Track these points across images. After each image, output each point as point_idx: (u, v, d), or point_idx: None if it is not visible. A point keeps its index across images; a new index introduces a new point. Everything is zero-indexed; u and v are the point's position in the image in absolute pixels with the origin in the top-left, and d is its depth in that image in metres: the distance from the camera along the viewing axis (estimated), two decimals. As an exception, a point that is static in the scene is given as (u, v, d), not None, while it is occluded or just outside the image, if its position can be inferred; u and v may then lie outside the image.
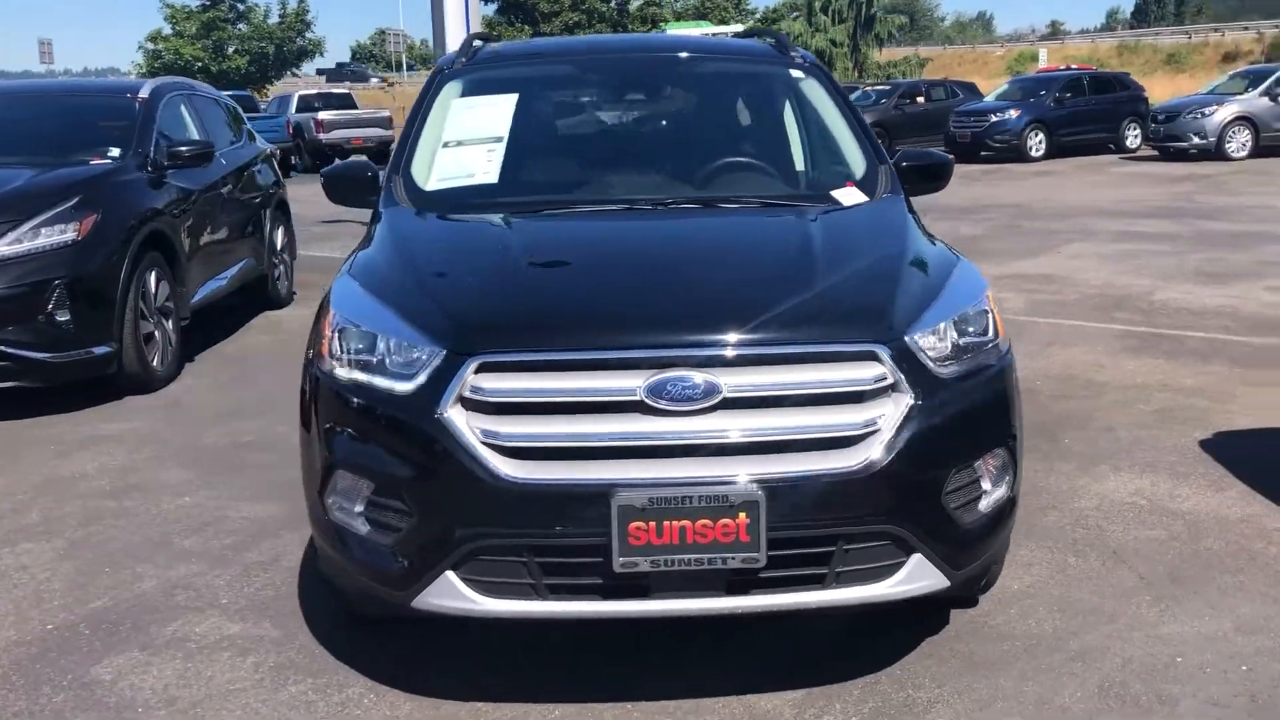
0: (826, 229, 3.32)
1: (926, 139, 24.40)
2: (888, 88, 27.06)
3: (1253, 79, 21.78)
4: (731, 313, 2.75)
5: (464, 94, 4.13)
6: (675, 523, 2.54)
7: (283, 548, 3.96)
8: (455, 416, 2.64)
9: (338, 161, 4.32)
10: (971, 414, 2.78)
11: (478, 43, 4.42)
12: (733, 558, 2.57)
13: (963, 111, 23.56)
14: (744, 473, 2.57)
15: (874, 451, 2.62)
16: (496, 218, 3.47)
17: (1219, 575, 3.58)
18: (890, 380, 2.67)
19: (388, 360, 2.79)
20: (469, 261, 3.18)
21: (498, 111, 4.02)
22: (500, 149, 3.81)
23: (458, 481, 2.63)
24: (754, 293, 2.88)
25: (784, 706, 2.91)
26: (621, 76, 4.34)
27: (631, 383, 2.60)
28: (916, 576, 2.70)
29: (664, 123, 4.29)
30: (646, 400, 2.58)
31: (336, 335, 2.93)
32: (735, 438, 2.59)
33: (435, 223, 3.52)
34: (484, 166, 3.78)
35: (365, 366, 2.82)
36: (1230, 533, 3.90)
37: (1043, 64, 38.73)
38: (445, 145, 3.87)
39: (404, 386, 2.73)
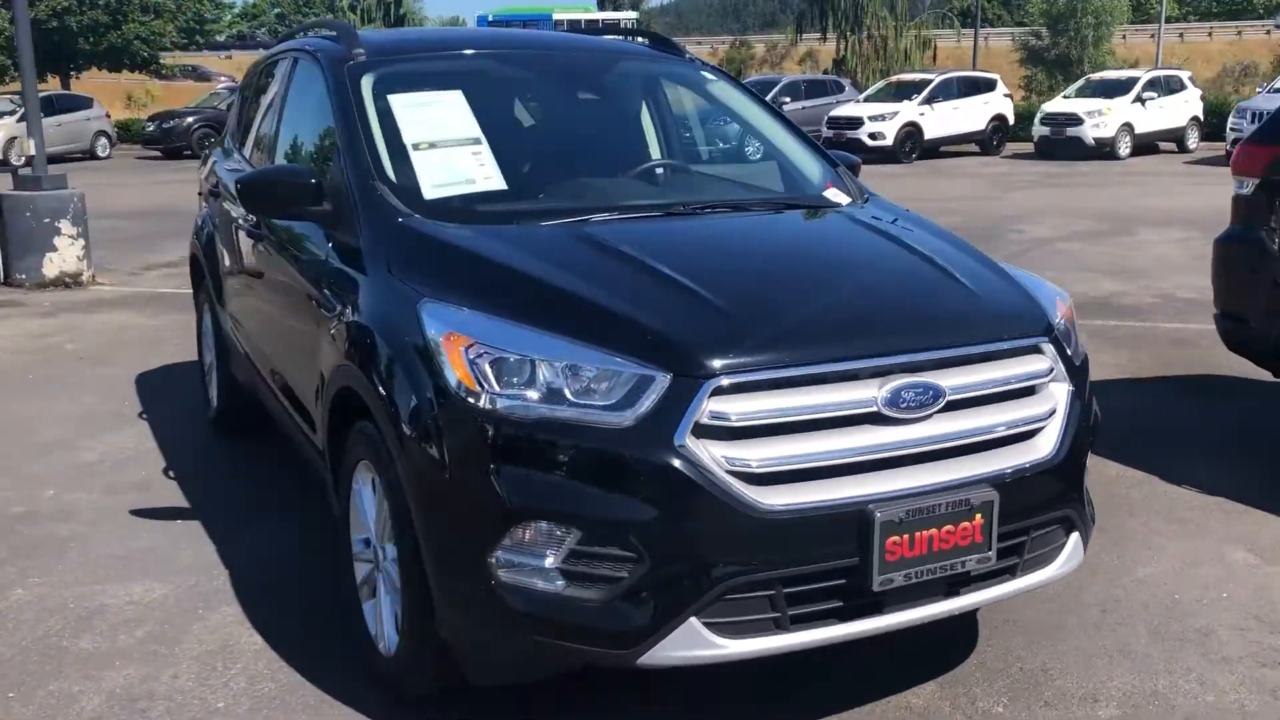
0: (895, 228, 3.38)
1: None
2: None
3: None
4: (933, 316, 2.76)
5: (394, 90, 3.66)
6: (924, 533, 2.52)
7: None
8: (694, 446, 2.40)
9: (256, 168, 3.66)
10: (1089, 392, 3.01)
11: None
12: (969, 560, 2.60)
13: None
14: (974, 474, 2.60)
15: (1055, 439, 2.76)
16: (559, 225, 3.16)
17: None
18: (1055, 370, 2.82)
19: (573, 389, 2.47)
20: (617, 274, 2.84)
21: (450, 110, 3.62)
22: (485, 151, 3.45)
23: (706, 517, 2.40)
24: (928, 296, 2.90)
25: (932, 699, 2.98)
26: (554, 73, 4.08)
27: (869, 393, 2.53)
28: (1073, 557, 2.88)
29: (626, 124, 4.10)
30: (884, 410, 2.53)
31: (491, 367, 2.54)
32: (963, 440, 2.61)
33: (512, 232, 3.13)
34: (477, 171, 3.39)
35: (552, 398, 2.47)
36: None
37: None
38: (416, 148, 3.42)
39: (620, 418, 2.43)
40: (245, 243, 4.29)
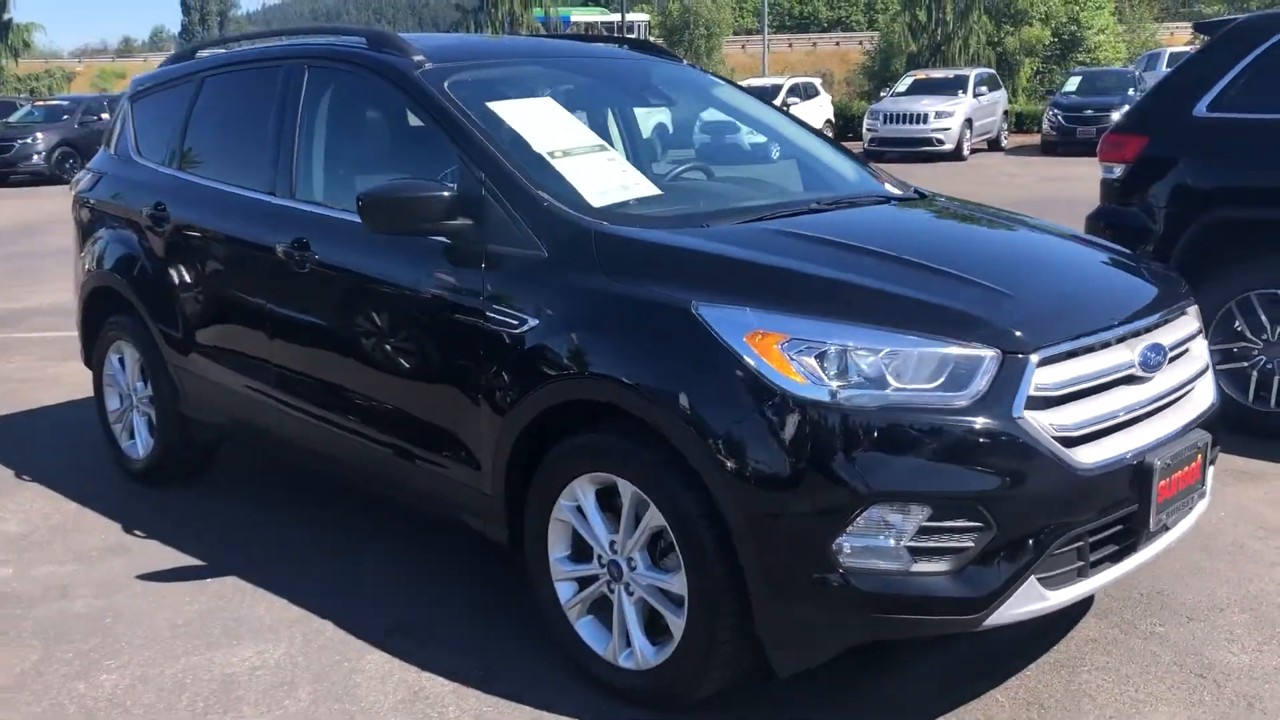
0: (995, 215, 3.71)
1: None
2: (67, 103, 24.57)
3: None
4: (1136, 288, 3.13)
5: (483, 98, 3.54)
6: (1177, 474, 2.88)
7: None
8: (1029, 416, 2.62)
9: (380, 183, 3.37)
10: None
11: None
12: (1195, 495, 2.99)
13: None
14: (1190, 419, 2.99)
15: (1212, 387, 3.22)
16: (748, 224, 3.22)
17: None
18: (1200, 329, 3.28)
19: (896, 375, 2.60)
20: (867, 265, 2.93)
21: (554, 117, 3.56)
22: (619, 157, 3.43)
23: (1042, 480, 2.61)
24: (1118, 271, 3.27)
25: (1102, 630, 3.36)
26: (608, 80, 4.05)
27: (1128, 356, 2.85)
28: (1207, 493, 3.35)
29: (706, 133, 4.14)
30: (1138, 370, 2.86)
31: (816, 360, 2.60)
32: (1179, 392, 3.00)
33: (722, 232, 3.12)
34: (624, 177, 3.36)
35: (878, 384, 2.59)
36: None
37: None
38: (553, 156, 3.34)
39: (956, 397, 2.59)
40: (265, 265, 3.92)
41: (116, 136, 5.08)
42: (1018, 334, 2.67)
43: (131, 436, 4.92)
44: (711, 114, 4.35)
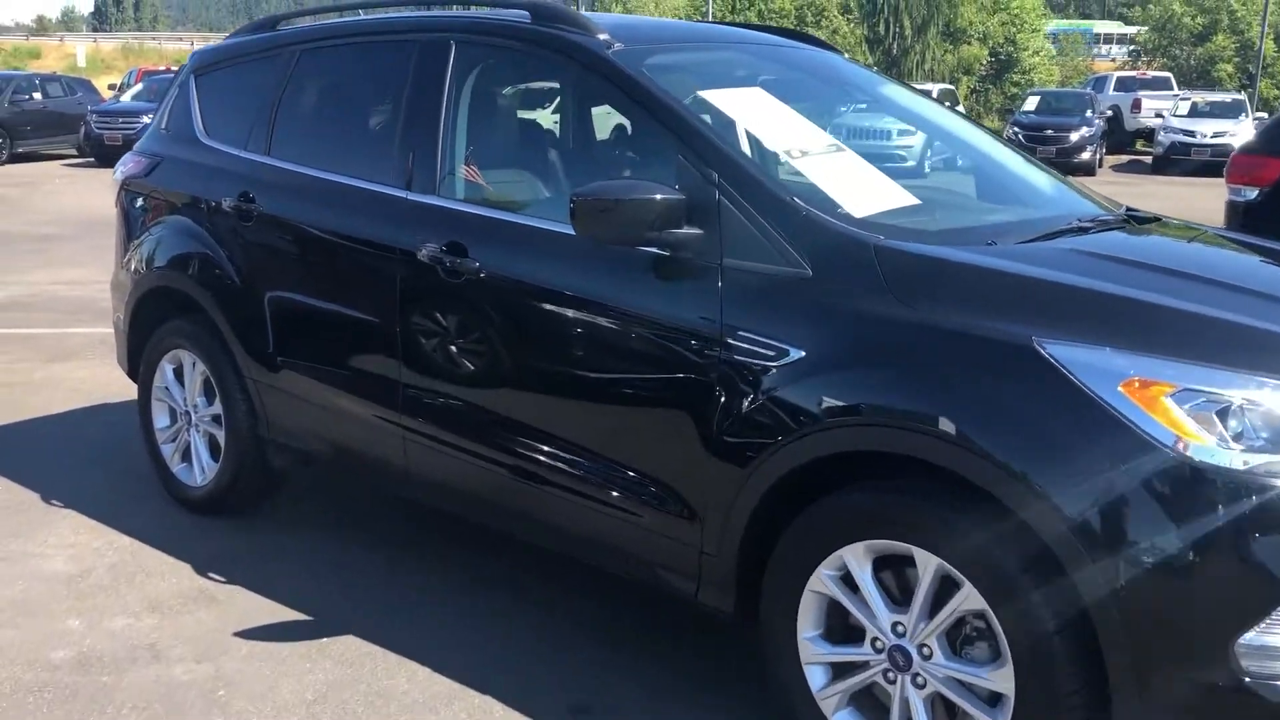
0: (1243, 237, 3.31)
1: (56, 139, 21.86)
2: (-6, 80, 23.18)
3: None
4: None
5: (695, 86, 3.04)
6: None
7: None
8: None
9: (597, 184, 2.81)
10: None
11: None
12: None
13: (106, 111, 21.35)
14: None
15: None
16: (1040, 242, 2.75)
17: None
18: None
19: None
20: (1215, 296, 2.49)
21: (770, 109, 3.06)
22: (858, 159, 2.94)
23: None
24: None
25: None
26: (802, 70, 3.55)
27: None
28: None
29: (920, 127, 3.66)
30: None
31: (1218, 417, 2.15)
32: None
33: (1023, 252, 2.65)
34: (876, 185, 2.88)
35: None
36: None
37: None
38: (790, 156, 2.85)
39: None
40: (398, 271, 3.34)
41: (172, 115, 4.44)
42: None
43: (186, 460, 4.29)
44: (883, 118, 3.89)
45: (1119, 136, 26.89)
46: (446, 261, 3.18)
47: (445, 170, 3.32)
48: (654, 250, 2.75)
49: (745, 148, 2.84)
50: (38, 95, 22.52)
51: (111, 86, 30.08)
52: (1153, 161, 23.49)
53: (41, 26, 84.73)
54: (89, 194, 15.46)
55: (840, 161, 2.91)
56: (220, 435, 4.10)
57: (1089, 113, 23.86)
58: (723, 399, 2.64)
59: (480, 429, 3.20)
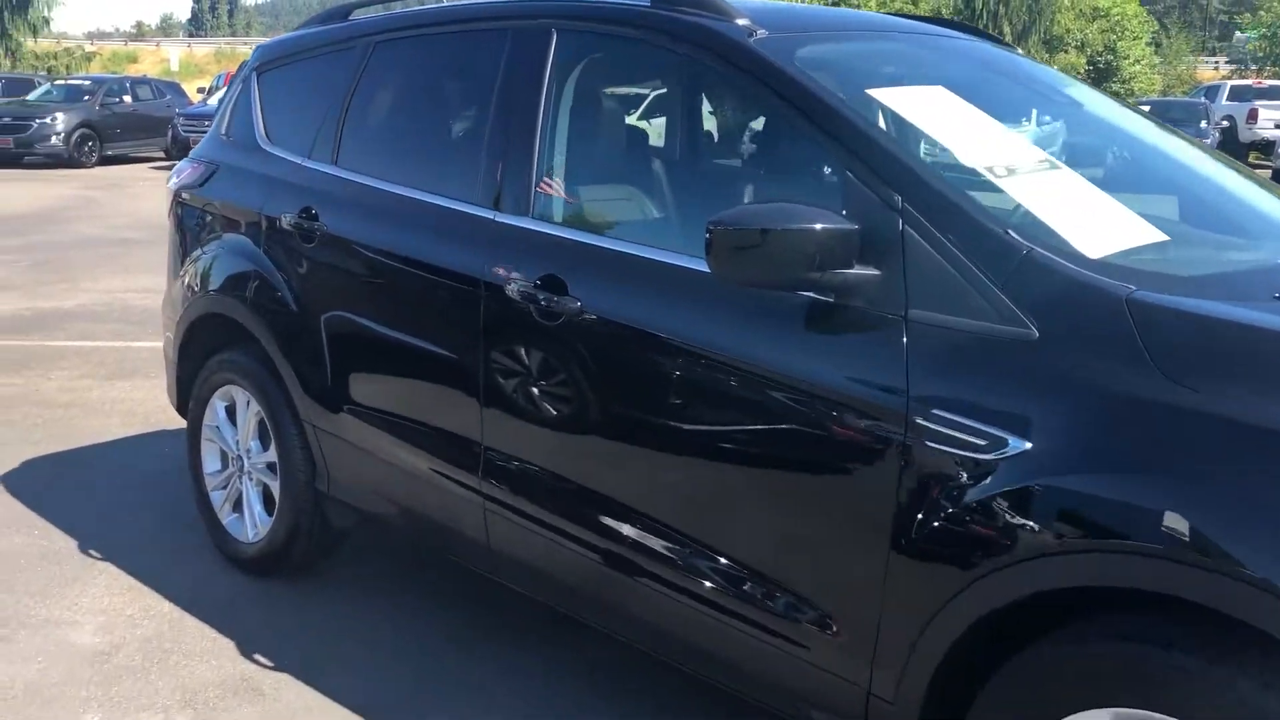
0: None
1: (144, 142, 21.90)
2: (89, 83, 23.36)
3: None
4: None
5: (862, 84, 2.39)
6: None
7: None
8: None
9: (737, 209, 2.16)
10: None
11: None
12: None
13: (193, 114, 21.30)
14: None
15: None
16: None
17: None
18: None
19: None
20: None
21: (958, 113, 2.39)
22: (1077, 178, 2.26)
23: None
24: None
25: None
26: (980, 68, 2.88)
27: None
28: None
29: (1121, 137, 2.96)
30: None
31: None
32: None
33: None
34: (1108, 213, 2.20)
35: None
36: None
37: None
38: (993, 173, 2.18)
39: None
40: (482, 308, 2.74)
41: (232, 118, 3.91)
42: None
43: (238, 510, 3.74)
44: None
45: (1232, 148, 25.54)
46: (541, 299, 2.57)
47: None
48: (814, 296, 2.11)
49: (940, 164, 2.18)
50: (128, 98, 22.61)
51: (201, 90, 30.27)
52: (1272, 175, 22.18)
53: (140, 32, 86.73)
54: (171, 198, 15.26)
55: (1059, 182, 2.24)
56: (275, 486, 3.54)
57: (1203, 124, 22.62)
58: (907, 500, 1.98)
59: (577, 509, 2.58)
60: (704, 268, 2.14)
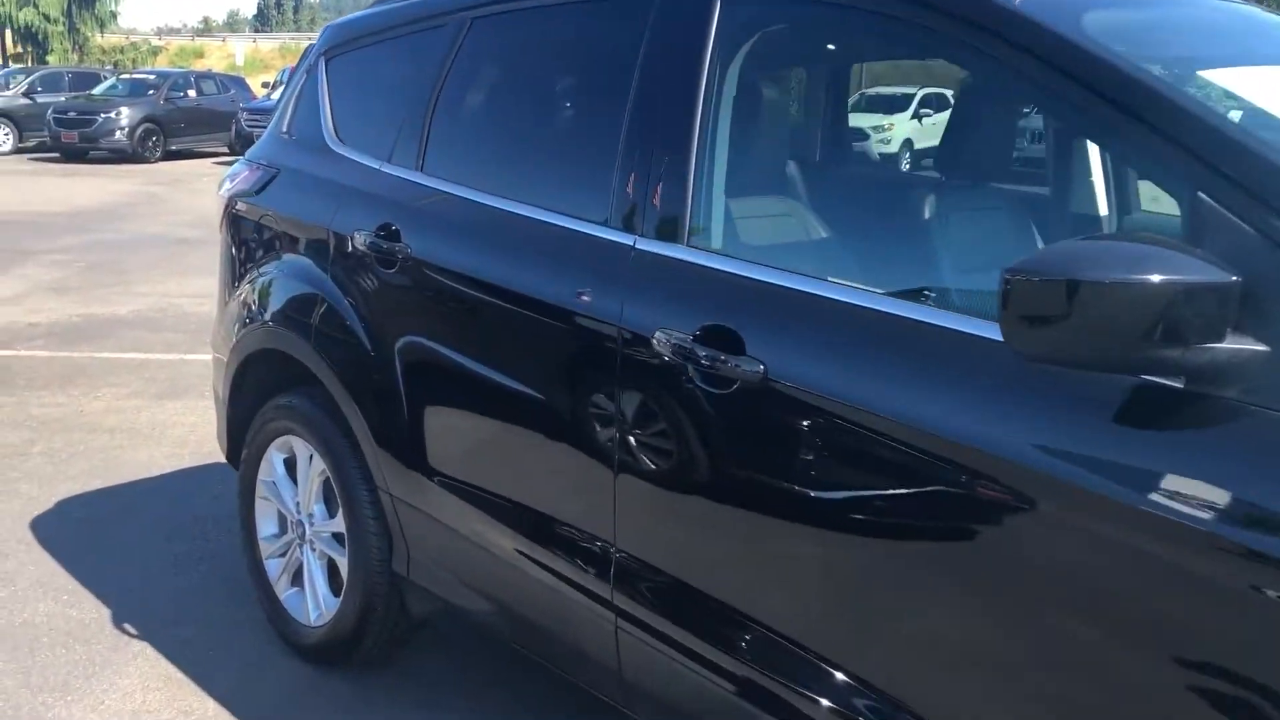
0: None
1: (208, 137, 21.56)
2: (153, 77, 23.12)
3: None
4: None
5: (1191, 65, 1.67)
6: None
7: None
8: None
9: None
10: None
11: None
12: None
13: (257, 109, 20.92)
14: None
15: None
16: None
17: None
18: None
19: None
20: None
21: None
22: None
23: None
24: None
25: None
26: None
27: None
28: None
29: None
30: None
31: None
32: None
33: None
34: None
35: None
36: None
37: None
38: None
39: None
40: (622, 368, 2.06)
41: (295, 112, 3.27)
42: None
43: (298, 583, 3.11)
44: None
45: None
46: (703, 356, 1.88)
47: (699, 205, 2.03)
48: (1159, 381, 1.40)
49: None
50: (192, 93, 22.30)
51: (265, 84, 30.05)
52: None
53: (207, 27, 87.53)
54: (233, 195, 14.84)
55: None
56: (343, 562, 2.90)
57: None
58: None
59: (759, 652, 1.89)
60: (982, 332, 1.45)
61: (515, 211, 2.38)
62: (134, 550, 3.79)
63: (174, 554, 3.76)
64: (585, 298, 2.09)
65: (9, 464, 4.66)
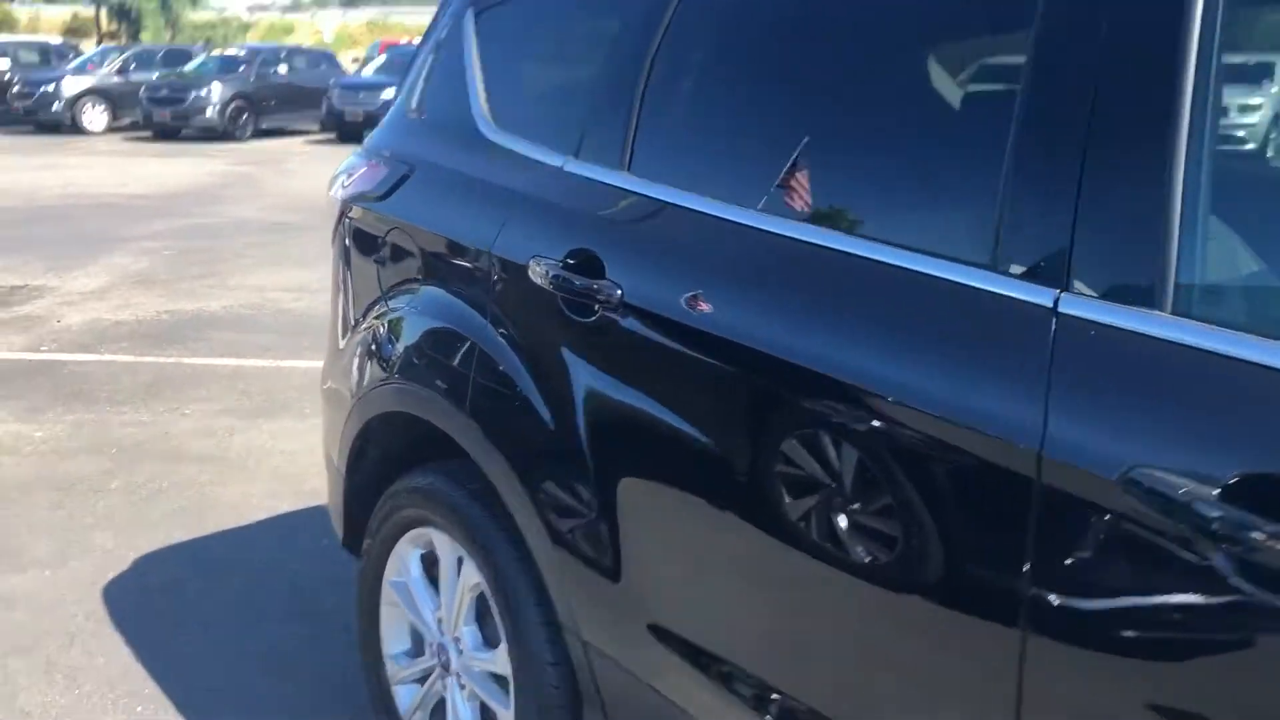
0: None
1: (299, 114, 21.02)
2: (244, 53, 22.73)
3: None
4: None
5: None
6: None
7: None
8: None
9: None
10: None
11: None
12: None
13: (348, 85, 20.33)
14: None
15: None
16: None
17: None
18: None
19: None
20: None
21: None
22: None
23: None
24: None
25: None
26: None
27: None
28: None
29: None
30: None
31: None
32: None
33: None
34: None
35: None
36: None
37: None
38: None
39: None
40: (1058, 511, 1.18)
41: (430, 86, 2.44)
42: None
43: (438, 723, 2.30)
44: None
45: None
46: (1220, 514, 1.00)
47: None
48: None
49: None
50: (283, 69, 21.85)
51: (355, 59, 29.58)
52: None
53: (296, 4, 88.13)
54: (326, 175, 14.23)
55: None
56: (504, 713, 2.08)
57: None
58: None
59: None
60: None
61: (804, 239, 1.51)
62: (220, 636, 3.05)
63: (267, 643, 3.01)
64: (999, 404, 1.22)
65: (85, 505, 3.99)
